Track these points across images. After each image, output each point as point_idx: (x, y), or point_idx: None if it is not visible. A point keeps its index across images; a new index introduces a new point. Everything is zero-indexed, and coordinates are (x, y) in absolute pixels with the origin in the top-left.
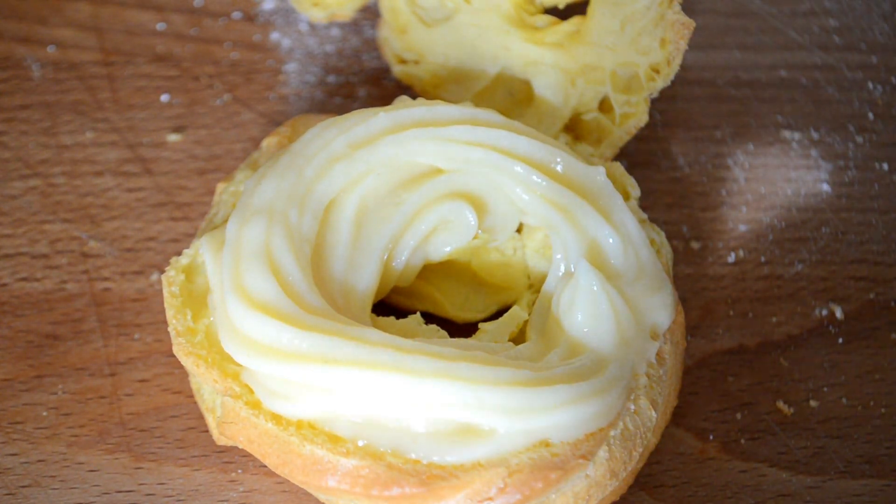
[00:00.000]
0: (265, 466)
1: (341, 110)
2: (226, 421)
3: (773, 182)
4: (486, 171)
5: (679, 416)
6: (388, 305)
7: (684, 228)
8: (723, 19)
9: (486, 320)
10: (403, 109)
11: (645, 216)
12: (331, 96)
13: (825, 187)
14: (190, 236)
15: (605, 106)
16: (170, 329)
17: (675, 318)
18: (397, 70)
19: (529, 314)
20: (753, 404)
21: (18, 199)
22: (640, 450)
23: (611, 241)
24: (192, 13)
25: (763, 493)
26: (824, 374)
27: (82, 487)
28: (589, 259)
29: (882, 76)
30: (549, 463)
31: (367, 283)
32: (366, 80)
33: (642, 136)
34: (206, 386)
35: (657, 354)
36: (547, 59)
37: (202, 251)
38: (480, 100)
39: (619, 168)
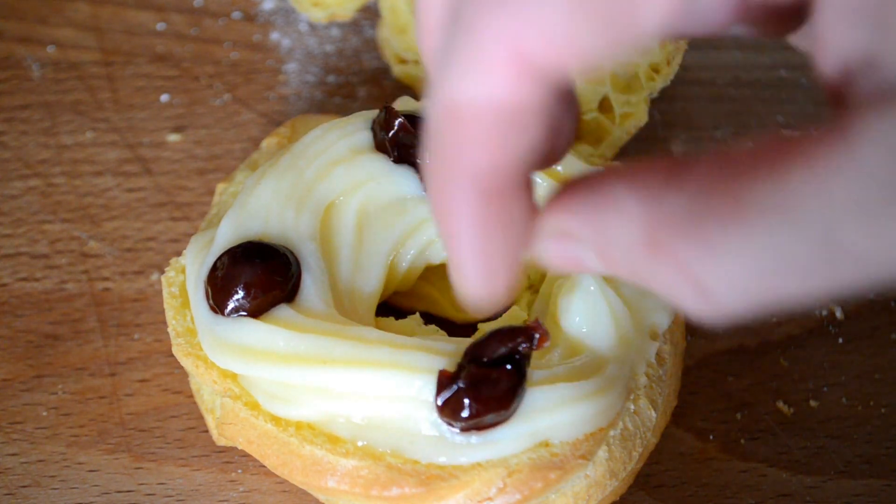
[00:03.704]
0: (265, 466)
1: (341, 110)
2: (225, 422)
3: None
4: None
5: (679, 416)
6: (388, 306)
7: None
8: None
9: (485, 320)
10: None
11: None
12: (331, 96)
13: None
14: (190, 236)
15: (605, 106)
16: (169, 330)
17: (675, 317)
18: (397, 70)
19: (528, 314)
20: (753, 404)
21: (18, 199)
22: (640, 450)
23: None
24: (192, 13)
25: (763, 493)
26: (824, 374)
27: (82, 487)
28: None
29: None
30: (549, 463)
31: (372, 286)
32: (366, 80)
33: (642, 136)
34: (206, 387)
35: (657, 354)
36: None
37: (185, 252)
38: None
39: None
